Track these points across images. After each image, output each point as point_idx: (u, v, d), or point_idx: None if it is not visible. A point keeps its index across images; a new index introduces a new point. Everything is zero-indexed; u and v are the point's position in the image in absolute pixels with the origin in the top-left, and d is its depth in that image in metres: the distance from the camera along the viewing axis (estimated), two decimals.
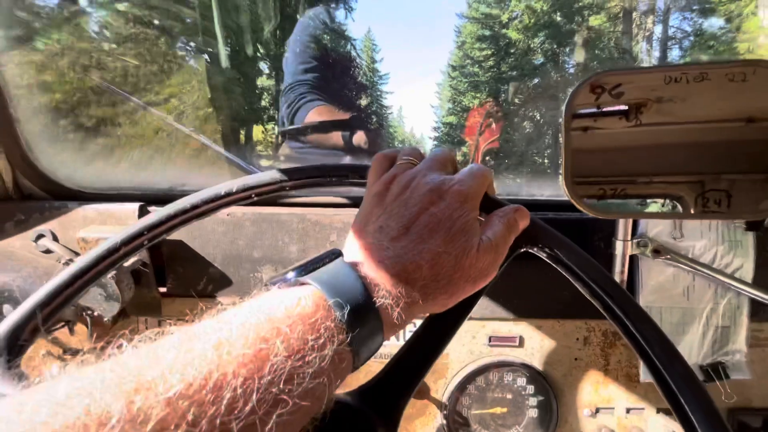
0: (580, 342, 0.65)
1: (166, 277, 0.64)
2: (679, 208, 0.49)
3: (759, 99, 0.44)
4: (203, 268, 0.64)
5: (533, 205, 0.69)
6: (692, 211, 0.48)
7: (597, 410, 0.66)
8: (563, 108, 0.50)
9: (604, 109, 0.49)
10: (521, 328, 0.65)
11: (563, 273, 0.38)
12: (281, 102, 1.14)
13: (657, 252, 0.61)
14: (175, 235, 0.63)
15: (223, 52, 1.47)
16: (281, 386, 0.21)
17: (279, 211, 0.64)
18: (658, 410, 0.67)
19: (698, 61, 0.47)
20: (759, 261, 0.62)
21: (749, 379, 0.63)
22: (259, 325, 0.23)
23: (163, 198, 0.67)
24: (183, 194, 0.43)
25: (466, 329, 0.65)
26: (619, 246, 0.60)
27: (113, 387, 0.18)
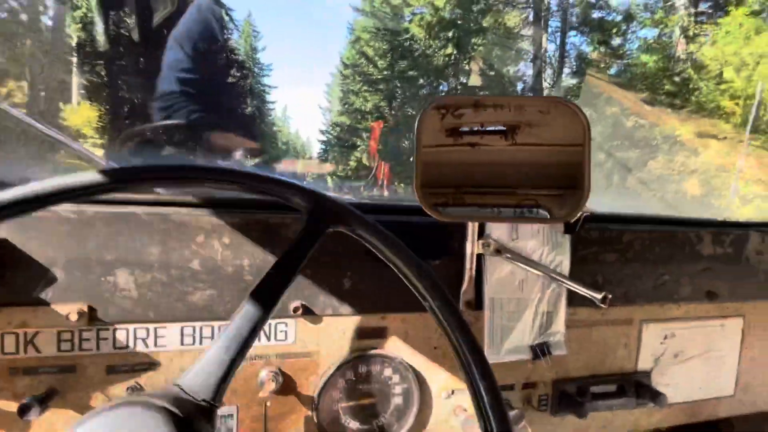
0: (438, 332, 0.73)
1: None
2: (504, 213, 0.58)
3: (559, 128, 0.55)
4: (40, 272, 0.56)
5: (395, 210, 0.76)
6: (512, 215, 0.58)
7: (453, 392, 0.75)
8: (416, 125, 0.56)
9: (487, 128, 0.56)
10: (387, 321, 0.71)
11: (373, 251, 0.46)
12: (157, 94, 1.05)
13: (498, 251, 0.72)
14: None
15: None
16: None
17: (137, 210, 0.60)
18: (502, 388, 0.78)
19: (520, 95, 0.58)
20: (573, 258, 0.77)
21: (566, 354, 0.78)
22: None
23: None
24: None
25: (336, 325, 0.68)
26: (468, 246, 0.70)
27: None
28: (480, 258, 0.72)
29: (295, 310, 0.65)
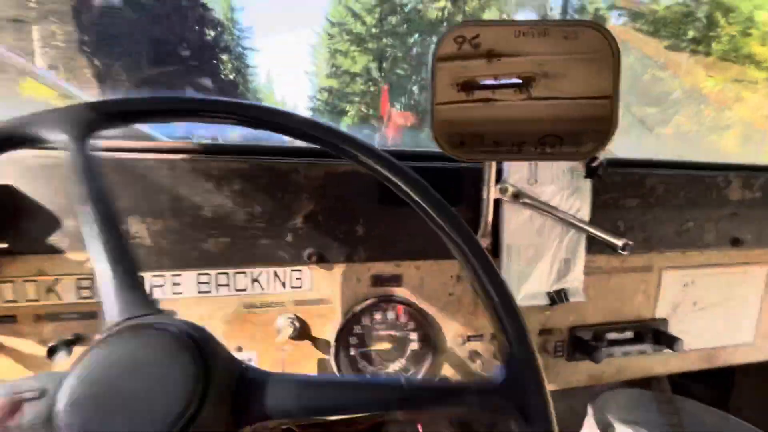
0: (453, 279, 0.72)
1: (2, 231, 0.55)
2: (525, 151, 0.56)
3: (580, 77, 0.51)
4: (52, 220, 0.56)
5: (411, 156, 0.73)
6: (534, 153, 0.55)
7: (468, 338, 0.75)
8: (430, 57, 0.53)
9: (501, 82, 0.53)
10: (402, 269, 0.70)
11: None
12: None
13: (516, 196, 0.69)
14: (4, 181, 0.54)
15: None
16: None
17: (145, 156, 0.58)
18: None
19: (543, 20, 0.53)
20: (594, 204, 0.74)
21: (584, 301, 0.77)
22: None
23: None
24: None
25: (352, 272, 0.68)
26: (485, 191, 0.67)
27: None
28: (497, 204, 0.70)
29: (309, 257, 0.64)
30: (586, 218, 0.74)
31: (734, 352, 0.93)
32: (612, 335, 0.82)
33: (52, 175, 0.56)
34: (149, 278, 0.61)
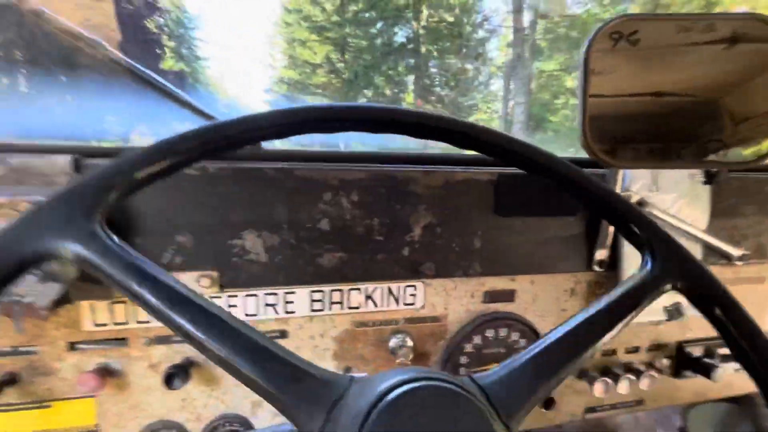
0: (567, 293, 0.68)
1: None
2: (685, 157, 0.51)
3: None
4: (168, 235, 0.52)
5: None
6: (694, 161, 0.51)
7: None
8: (582, 55, 0.48)
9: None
10: (516, 283, 0.65)
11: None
12: None
13: (640, 204, 0.65)
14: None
15: None
16: None
17: (262, 166, 0.54)
18: (626, 351, 0.73)
19: (707, 13, 0.49)
20: (713, 211, 0.70)
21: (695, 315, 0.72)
22: None
23: (104, 151, 0.53)
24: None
25: (466, 288, 0.63)
26: None
27: None
28: None
29: (424, 271, 0.60)
30: (704, 226, 0.70)
31: None
32: (723, 350, 0.77)
33: (165, 189, 0.52)
34: (261, 296, 0.56)
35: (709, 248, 0.70)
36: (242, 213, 0.54)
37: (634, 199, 0.64)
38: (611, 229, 0.65)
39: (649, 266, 0.35)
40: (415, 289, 0.61)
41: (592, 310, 0.32)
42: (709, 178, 0.69)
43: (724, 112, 0.52)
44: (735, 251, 0.71)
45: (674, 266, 0.35)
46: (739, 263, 0.71)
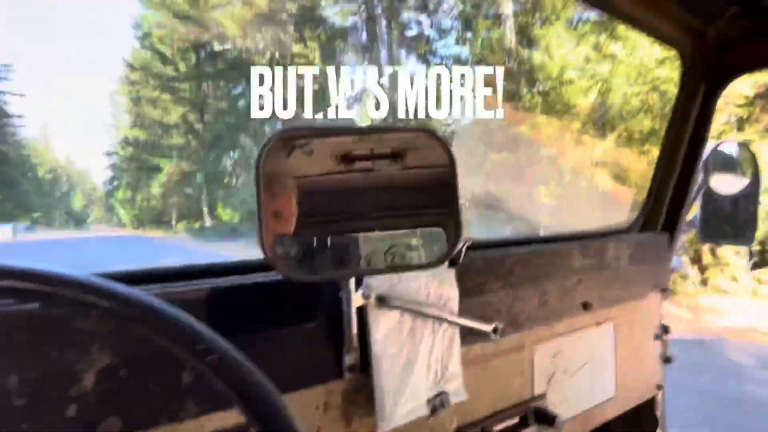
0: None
1: None
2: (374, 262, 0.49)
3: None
4: None
5: (244, 269, 0.61)
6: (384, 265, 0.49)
7: None
8: (258, 166, 0.44)
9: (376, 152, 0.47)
10: None
11: None
12: None
13: (381, 299, 0.62)
14: None
15: None
16: None
17: None
18: None
19: (381, 126, 0.50)
20: (461, 293, 0.71)
21: (466, 399, 0.71)
22: None
23: None
24: None
25: None
26: (345, 301, 0.58)
27: None
28: (361, 311, 0.61)
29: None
30: (456, 308, 0.71)
31: (603, 410, 0.97)
32: (499, 426, 0.78)
33: None
34: None
35: (463, 329, 0.71)
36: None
37: (374, 296, 0.61)
38: (354, 330, 0.60)
39: None
40: None
41: None
42: (452, 260, 0.71)
43: None
44: (488, 326, 0.73)
45: None
46: (495, 336, 0.73)
